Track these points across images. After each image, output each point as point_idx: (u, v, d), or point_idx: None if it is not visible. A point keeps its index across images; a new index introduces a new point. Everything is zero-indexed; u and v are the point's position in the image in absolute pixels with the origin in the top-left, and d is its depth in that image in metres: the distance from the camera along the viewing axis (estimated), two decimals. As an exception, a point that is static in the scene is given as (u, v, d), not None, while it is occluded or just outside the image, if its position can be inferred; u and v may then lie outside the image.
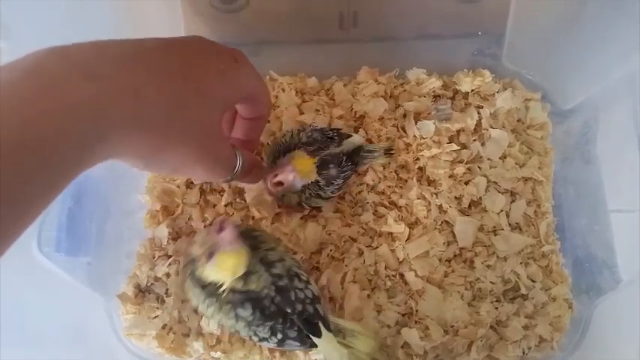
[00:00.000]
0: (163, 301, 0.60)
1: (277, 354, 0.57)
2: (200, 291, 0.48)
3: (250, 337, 0.51)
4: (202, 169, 0.42)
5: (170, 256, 0.61)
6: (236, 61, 0.43)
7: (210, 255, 0.45)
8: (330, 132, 0.58)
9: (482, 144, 0.64)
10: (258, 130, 0.52)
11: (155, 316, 0.59)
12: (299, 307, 0.49)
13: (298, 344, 0.51)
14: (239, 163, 0.46)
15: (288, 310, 0.49)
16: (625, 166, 0.61)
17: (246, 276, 0.47)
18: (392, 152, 0.63)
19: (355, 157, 0.59)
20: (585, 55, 0.62)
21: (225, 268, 0.46)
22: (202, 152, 0.41)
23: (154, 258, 0.62)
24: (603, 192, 0.62)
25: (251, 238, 0.50)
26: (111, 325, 0.59)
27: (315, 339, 0.50)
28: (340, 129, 0.61)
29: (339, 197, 0.63)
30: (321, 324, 0.50)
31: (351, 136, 0.60)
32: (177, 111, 0.37)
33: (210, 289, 0.47)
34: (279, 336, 0.50)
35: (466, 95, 0.67)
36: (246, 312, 0.48)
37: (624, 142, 0.61)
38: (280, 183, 0.53)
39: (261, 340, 0.51)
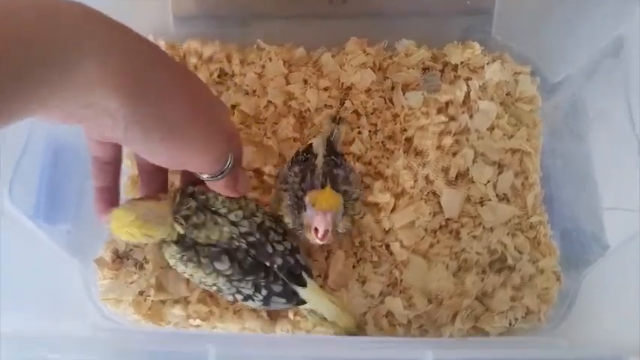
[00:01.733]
0: (142, 268, 0.58)
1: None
2: (175, 248, 0.47)
3: (234, 297, 0.50)
4: (199, 135, 0.40)
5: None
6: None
7: None
8: (302, 156, 0.55)
9: (471, 116, 0.64)
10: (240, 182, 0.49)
11: (132, 282, 0.57)
12: (279, 260, 0.48)
13: (284, 300, 0.50)
14: (230, 157, 0.44)
15: (267, 264, 0.48)
16: (616, 145, 0.60)
17: (197, 229, 0.46)
18: (339, 118, 0.60)
19: (333, 147, 0.56)
20: (573, 25, 0.61)
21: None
22: (199, 113, 0.39)
23: (133, 224, 0.60)
24: (592, 164, 0.61)
25: (197, 199, 0.48)
26: (86, 290, 0.58)
27: (301, 290, 0.49)
28: (298, 150, 0.57)
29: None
30: (304, 273, 0.50)
31: (311, 144, 0.57)
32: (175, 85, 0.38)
33: (185, 244, 0.46)
34: (264, 292, 0.48)
35: (455, 67, 0.66)
36: (223, 265, 0.46)
37: (613, 114, 0.60)
38: (326, 232, 0.46)
39: (246, 298, 0.49)
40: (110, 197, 0.48)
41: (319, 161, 0.54)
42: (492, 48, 0.67)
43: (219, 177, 0.44)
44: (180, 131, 0.38)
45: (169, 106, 0.37)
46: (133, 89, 0.34)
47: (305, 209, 0.49)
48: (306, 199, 0.48)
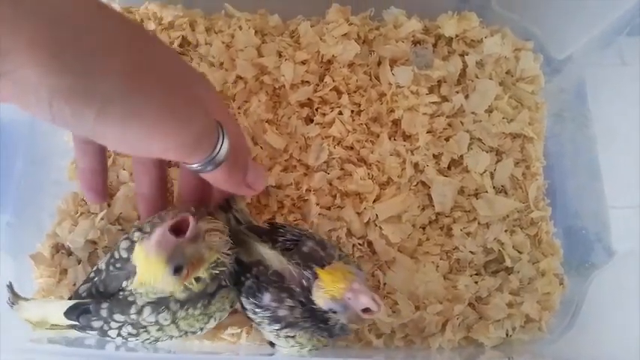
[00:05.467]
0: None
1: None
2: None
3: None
4: (166, 118, 0.29)
5: (92, 214, 0.52)
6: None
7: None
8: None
9: (466, 96, 0.57)
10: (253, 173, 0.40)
11: (74, 284, 0.49)
12: None
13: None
14: (223, 139, 0.33)
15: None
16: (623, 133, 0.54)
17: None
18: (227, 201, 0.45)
19: (258, 229, 0.44)
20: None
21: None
22: (170, 87, 0.30)
23: (77, 214, 0.52)
24: (597, 155, 0.55)
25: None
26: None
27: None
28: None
29: (299, 149, 0.54)
30: None
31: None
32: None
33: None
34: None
35: (450, 41, 0.59)
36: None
37: (622, 97, 0.54)
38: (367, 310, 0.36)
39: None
40: (93, 180, 0.42)
41: (273, 260, 0.40)
42: (491, 20, 0.60)
43: (209, 168, 0.34)
44: (124, 101, 0.28)
45: (107, 69, 0.27)
46: (56, 52, 0.25)
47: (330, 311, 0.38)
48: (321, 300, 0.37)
